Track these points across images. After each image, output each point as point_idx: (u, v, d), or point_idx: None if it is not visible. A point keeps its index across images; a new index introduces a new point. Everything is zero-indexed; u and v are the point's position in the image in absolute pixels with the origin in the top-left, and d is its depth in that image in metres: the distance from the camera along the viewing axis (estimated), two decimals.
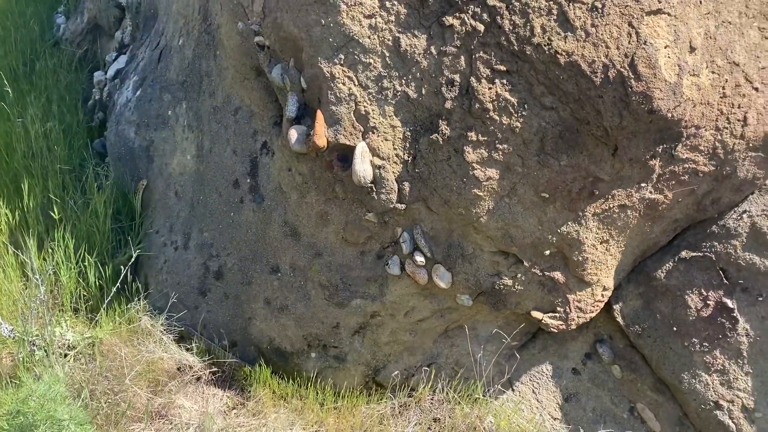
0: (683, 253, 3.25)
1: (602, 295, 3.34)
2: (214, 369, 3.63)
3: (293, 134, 3.25)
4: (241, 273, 3.69)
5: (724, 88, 2.97)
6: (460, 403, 3.54)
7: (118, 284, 3.68)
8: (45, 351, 3.52)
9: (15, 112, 5.41)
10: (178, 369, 3.57)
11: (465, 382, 3.61)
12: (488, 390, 3.56)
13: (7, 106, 5.34)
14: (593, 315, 3.37)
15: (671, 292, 3.27)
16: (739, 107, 3.01)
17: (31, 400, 2.76)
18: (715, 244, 3.18)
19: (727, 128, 3.03)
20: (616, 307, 3.40)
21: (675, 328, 3.25)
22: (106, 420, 3.18)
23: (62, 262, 3.83)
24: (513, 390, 3.60)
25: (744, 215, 3.14)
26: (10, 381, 3.37)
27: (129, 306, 3.77)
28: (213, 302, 3.80)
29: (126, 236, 4.28)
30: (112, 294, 3.68)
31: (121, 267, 3.77)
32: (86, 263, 3.90)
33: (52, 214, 4.00)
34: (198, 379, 3.58)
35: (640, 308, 3.35)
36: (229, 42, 3.64)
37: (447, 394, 3.55)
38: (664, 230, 3.31)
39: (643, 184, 3.07)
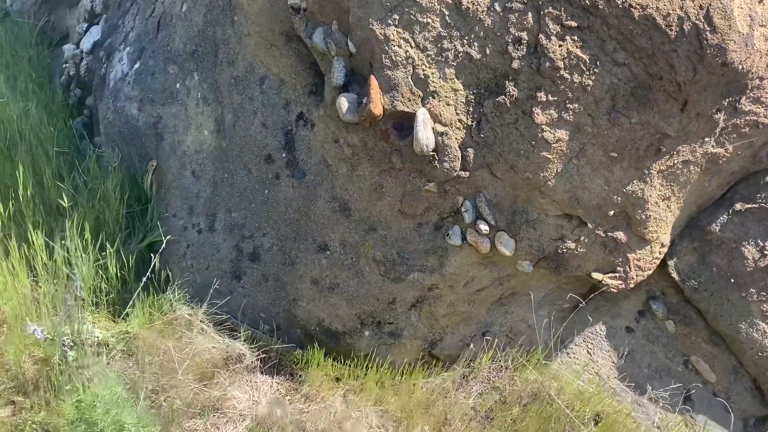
0: (737, 206, 3.27)
1: (660, 252, 3.34)
2: (261, 355, 3.44)
3: (344, 103, 3.05)
4: (281, 253, 3.49)
5: None
6: (517, 370, 3.49)
7: (148, 273, 3.41)
8: (78, 351, 3.24)
9: None
10: (225, 359, 3.36)
11: (520, 348, 3.56)
12: (544, 354, 3.53)
13: None
14: (650, 272, 3.37)
15: (727, 244, 3.30)
16: None
17: (98, 407, 2.52)
18: None
19: None
20: (671, 263, 3.41)
21: (732, 280, 3.29)
22: (165, 419, 2.96)
23: (80, 254, 3.52)
24: (567, 352, 3.58)
25: None
26: (47, 387, 3.09)
27: (160, 296, 3.51)
28: (250, 286, 3.59)
29: (138, 222, 3.98)
30: (142, 284, 3.41)
31: (150, 255, 3.49)
32: (105, 253, 3.60)
33: (61, 202, 3.65)
34: (245, 367, 3.39)
35: (695, 263, 3.37)
36: (252, 6, 3.37)
37: (504, 361, 3.49)
38: (719, 184, 3.32)
39: (706, 139, 3.05)
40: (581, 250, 3.20)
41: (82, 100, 5.20)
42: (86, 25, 5.36)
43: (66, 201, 3.69)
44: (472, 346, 3.54)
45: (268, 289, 3.56)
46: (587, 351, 3.56)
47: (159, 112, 3.94)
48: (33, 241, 3.67)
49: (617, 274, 3.30)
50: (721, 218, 3.31)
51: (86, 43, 5.12)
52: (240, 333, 3.46)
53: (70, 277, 3.67)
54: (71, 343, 3.27)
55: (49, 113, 4.88)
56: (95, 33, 5.13)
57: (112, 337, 3.43)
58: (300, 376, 3.45)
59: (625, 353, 3.50)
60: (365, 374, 3.42)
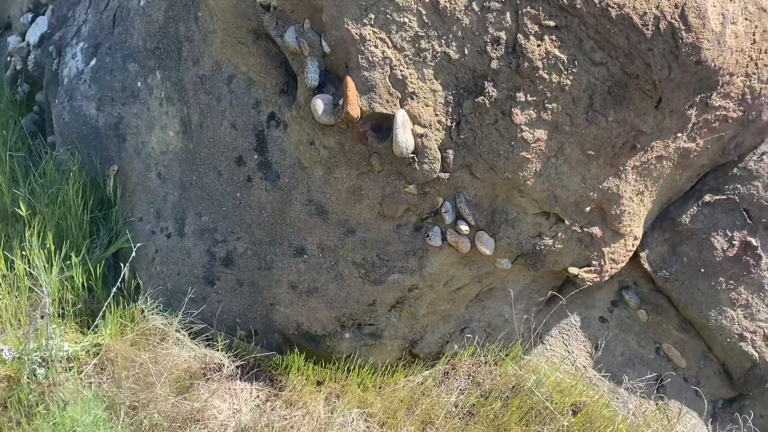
0: (707, 197, 3.36)
1: (633, 245, 3.40)
2: (239, 362, 3.38)
3: (319, 105, 2.97)
4: (256, 258, 3.41)
5: (754, 34, 3.02)
6: (497, 364, 3.53)
7: (118, 282, 3.29)
8: (48, 368, 3.11)
9: None
10: (203, 368, 3.28)
11: (499, 342, 3.60)
12: (522, 348, 3.58)
13: None
14: (624, 264, 3.43)
15: (697, 235, 3.38)
16: (765, 52, 3.08)
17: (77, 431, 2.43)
18: (738, 186, 3.30)
19: (755, 74, 3.09)
20: (643, 254, 3.48)
21: (702, 270, 3.38)
22: None
23: (44, 265, 3.36)
24: (544, 344, 3.63)
25: (764, 156, 3.28)
26: (17, 407, 2.95)
27: (131, 306, 3.39)
28: (224, 291, 3.51)
29: (102, 228, 3.83)
30: (112, 294, 3.28)
31: (117, 262, 3.37)
32: (69, 263, 3.45)
33: (18, 210, 3.47)
34: (224, 376, 3.32)
35: (666, 253, 3.45)
36: (217, 2, 3.23)
37: (484, 357, 3.52)
38: (690, 177, 3.39)
39: (679, 134, 3.10)
40: (558, 246, 3.24)
41: (31, 96, 4.95)
42: (31, 15, 5.08)
43: (24, 209, 3.52)
44: (451, 343, 3.55)
45: (244, 295, 3.48)
46: (563, 342, 3.62)
47: (120, 112, 3.77)
48: None
49: (592, 268, 3.35)
50: (691, 210, 3.39)
51: (33, 36, 4.86)
52: (216, 341, 3.38)
53: (32, 289, 3.52)
54: (39, 360, 3.14)
55: None
56: (42, 24, 4.87)
57: (82, 351, 3.30)
58: (280, 381, 3.41)
59: (601, 344, 3.57)
60: (347, 377, 3.40)
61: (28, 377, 3.03)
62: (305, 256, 3.31)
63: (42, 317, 3.00)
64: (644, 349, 3.63)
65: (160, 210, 3.66)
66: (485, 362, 3.52)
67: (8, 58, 5.11)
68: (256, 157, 3.33)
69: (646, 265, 3.48)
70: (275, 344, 3.52)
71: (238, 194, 3.40)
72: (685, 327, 3.56)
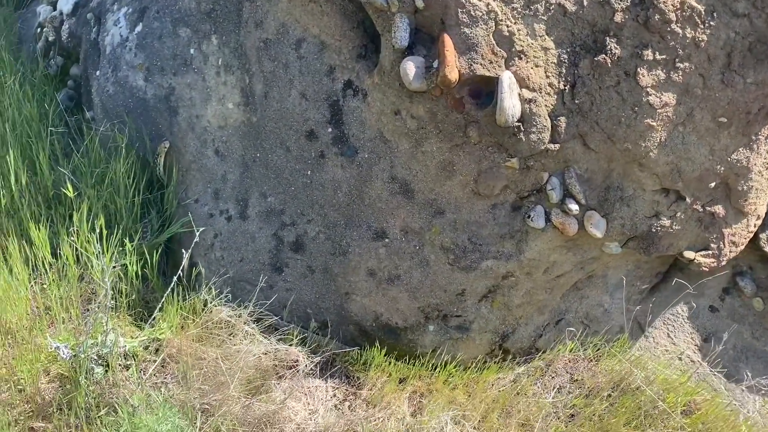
0: None
1: (754, 226, 3.03)
2: (314, 358, 3.04)
3: (410, 68, 2.60)
4: (330, 242, 3.06)
5: None
6: (596, 359, 3.18)
7: (179, 271, 2.95)
8: (110, 367, 2.80)
9: None
10: (275, 365, 2.96)
11: (596, 335, 3.24)
12: (623, 340, 3.22)
13: None
14: (743, 248, 3.06)
15: None
16: None
17: None
18: None
19: None
20: (763, 236, 3.10)
21: None
22: None
23: (96, 252, 3.03)
24: (646, 336, 3.27)
25: None
26: (76, 410, 2.64)
27: (192, 296, 3.06)
28: (293, 279, 3.17)
29: (153, 210, 3.49)
30: (173, 283, 2.94)
31: (174, 250, 3.03)
32: (122, 249, 3.12)
33: (64, 190, 3.13)
34: (298, 373, 2.99)
35: None
36: None
37: (584, 351, 3.17)
38: None
39: None
40: (676, 227, 2.86)
41: (65, 70, 4.60)
42: None
43: (71, 189, 3.18)
44: (545, 336, 3.20)
45: (315, 283, 3.14)
46: (668, 334, 3.26)
47: (171, 83, 3.41)
48: (34, 238, 3.18)
49: (710, 252, 2.98)
50: None
51: (66, 4, 4.49)
52: (288, 334, 3.04)
53: (82, 278, 3.20)
54: (95, 357, 2.82)
55: (31, 86, 4.29)
56: None
57: (140, 347, 2.98)
58: (358, 378, 3.07)
59: (711, 336, 3.21)
60: (432, 374, 3.06)
61: (85, 377, 2.72)
62: (386, 240, 2.96)
63: (101, 310, 2.67)
64: (759, 341, 3.26)
65: (219, 190, 3.32)
66: (584, 357, 3.17)
67: (38, 30, 4.76)
68: (330, 130, 2.97)
69: (767, 248, 3.10)
70: (350, 337, 3.18)
71: (309, 172, 3.05)
72: None
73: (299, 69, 3.00)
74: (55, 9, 4.65)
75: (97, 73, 3.77)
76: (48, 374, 2.91)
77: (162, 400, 2.47)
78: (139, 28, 3.57)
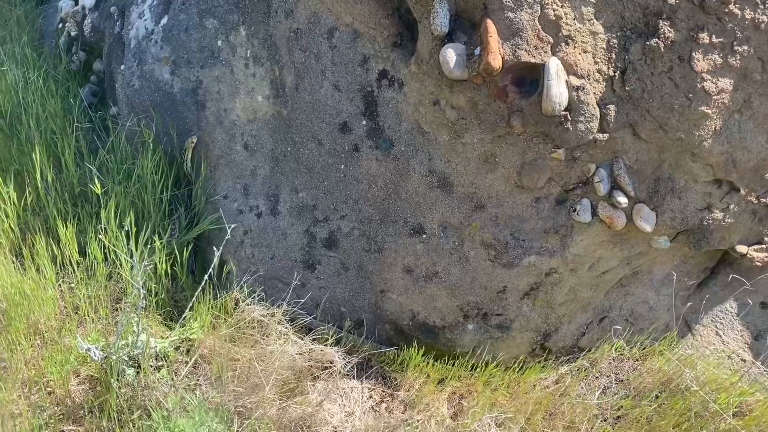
0: None
1: None
2: (351, 359, 2.95)
3: (451, 56, 2.48)
4: (364, 238, 2.96)
5: None
6: (642, 358, 3.05)
7: (210, 269, 2.86)
8: (136, 369, 2.72)
9: None
10: (309, 366, 2.86)
11: (641, 333, 3.11)
12: (669, 337, 3.09)
13: None
14: None
15: None
16: None
17: None
18: None
19: None
20: None
21: None
22: None
23: (125, 249, 2.95)
24: (693, 334, 3.14)
25: None
26: (106, 413, 2.57)
27: (223, 294, 2.97)
28: (326, 277, 3.07)
29: (181, 207, 3.41)
30: (204, 281, 2.85)
31: (201, 247, 2.95)
32: (149, 247, 3.04)
33: (93, 188, 3.05)
34: (334, 374, 2.89)
35: None
36: None
37: (630, 350, 3.04)
38: None
39: None
40: (729, 220, 2.72)
41: (88, 65, 4.53)
42: None
43: (98, 186, 3.11)
44: (588, 335, 3.08)
45: (349, 280, 3.04)
46: (716, 332, 3.12)
47: (198, 76, 3.32)
48: (61, 236, 3.10)
49: (764, 246, 2.84)
50: None
51: None
52: (323, 333, 2.95)
53: (110, 276, 3.13)
54: (126, 358, 2.74)
55: (54, 82, 4.22)
56: None
57: (170, 347, 2.90)
58: (395, 379, 2.97)
59: (761, 333, 3.07)
60: (471, 374, 2.95)
61: (117, 379, 2.64)
62: (423, 236, 2.85)
63: (134, 310, 2.59)
64: None
65: (249, 186, 3.23)
66: (629, 356, 3.04)
67: (60, 25, 4.70)
68: (364, 122, 2.86)
69: None
70: (385, 336, 3.08)
71: (342, 166, 2.95)
72: None
73: (331, 59, 2.89)
74: (77, 3, 4.59)
75: (122, 67, 3.69)
76: (78, 376, 2.85)
77: (197, 403, 2.38)
78: (164, 21, 3.48)
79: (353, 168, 2.92)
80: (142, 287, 2.57)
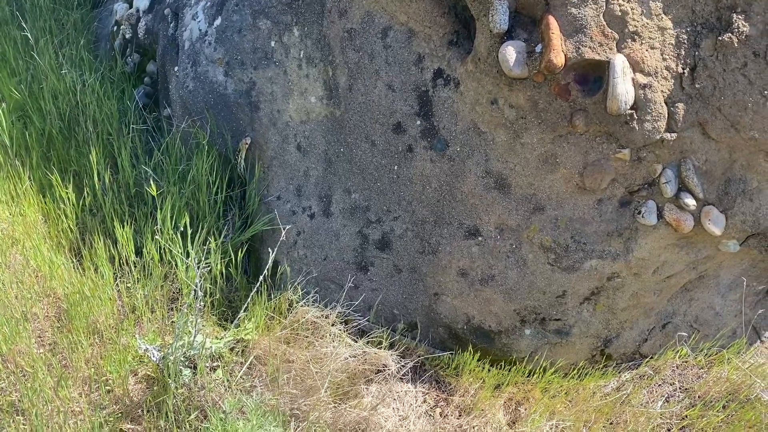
0: None
1: None
2: (406, 363, 2.91)
3: (510, 53, 2.42)
4: (418, 240, 2.91)
5: None
6: (707, 366, 2.93)
7: (265, 270, 2.86)
8: (192, 369, 2.74)
9: (28, 63, 4.36)
10: (363, 369, 2.83)
11: (706, 339, 2.99)
12: (730, 346, 2.96)
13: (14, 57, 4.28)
14: None
15: None
16: None
17: None
18: None
19: None
20: None
21: None
22: None
23: (181, 250, 2.97)
24: (762, 341, 3.00)
25: None
26: (164, 412, 2.59)
27: (277, 295, 2.97)
28: (379, 278, 3.04)
29: (235, 208, 3.42)
30: (259, 282, 2.86)
31: (254, 248, 2.95)
32: (206, 247, 3.06)
33: (149, 190, 3.09)
34: (388, 377, 2.86)
35: None
36: None
37: (695, 357, 2.93)
38: None
39: None
40: None
41: (141, 67, 4.61)
42: None
43: (155, 188, 3.14)
44: (650, 341, 2.97)
45: (402, 283, 3.00)
46: None
47: (251, 77, 3.33)
48: (117, 237, 3.14)
49: None
50: None
51: (142, 1, 4.50)
52: (379, 336, 2.92)
53: (166, 276, 3.16)
54: (182, 359, 2.76)
55: (110, 84, 4.30)
56: None
57: (225, 348, 2.91)
58: (449, 384, 2.92)
59: None
60: (528, 380, 2.88)
61: (174, 379, 2.66)
62: (479, 239, 2.79)
63: (191, 311, 2.60)
64: None
65: (301, 187, 3.22)
66: (694, 364, 2.92)
67: (114, 28, 4.79)
68: (418, 122, 2.82)
69: None
70: (439, 340, 3.04)
71: (395, 167, 2.91)
72: None
73: (385, 59, 2.86)
74: (131, 6, 4.67)
75: (176, 69, 3.73)
76: (135, 375, 2.88)
77: (254, 405, 2.38)
78: (218, 22, 3.50)
79: (407, 169, 2.88)
80: (200, 287, 2.58)
